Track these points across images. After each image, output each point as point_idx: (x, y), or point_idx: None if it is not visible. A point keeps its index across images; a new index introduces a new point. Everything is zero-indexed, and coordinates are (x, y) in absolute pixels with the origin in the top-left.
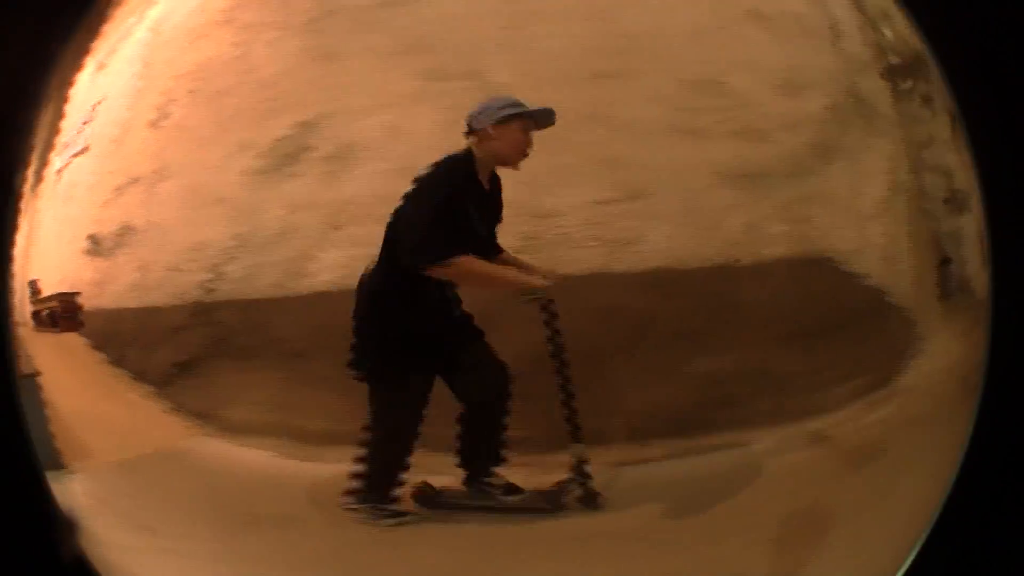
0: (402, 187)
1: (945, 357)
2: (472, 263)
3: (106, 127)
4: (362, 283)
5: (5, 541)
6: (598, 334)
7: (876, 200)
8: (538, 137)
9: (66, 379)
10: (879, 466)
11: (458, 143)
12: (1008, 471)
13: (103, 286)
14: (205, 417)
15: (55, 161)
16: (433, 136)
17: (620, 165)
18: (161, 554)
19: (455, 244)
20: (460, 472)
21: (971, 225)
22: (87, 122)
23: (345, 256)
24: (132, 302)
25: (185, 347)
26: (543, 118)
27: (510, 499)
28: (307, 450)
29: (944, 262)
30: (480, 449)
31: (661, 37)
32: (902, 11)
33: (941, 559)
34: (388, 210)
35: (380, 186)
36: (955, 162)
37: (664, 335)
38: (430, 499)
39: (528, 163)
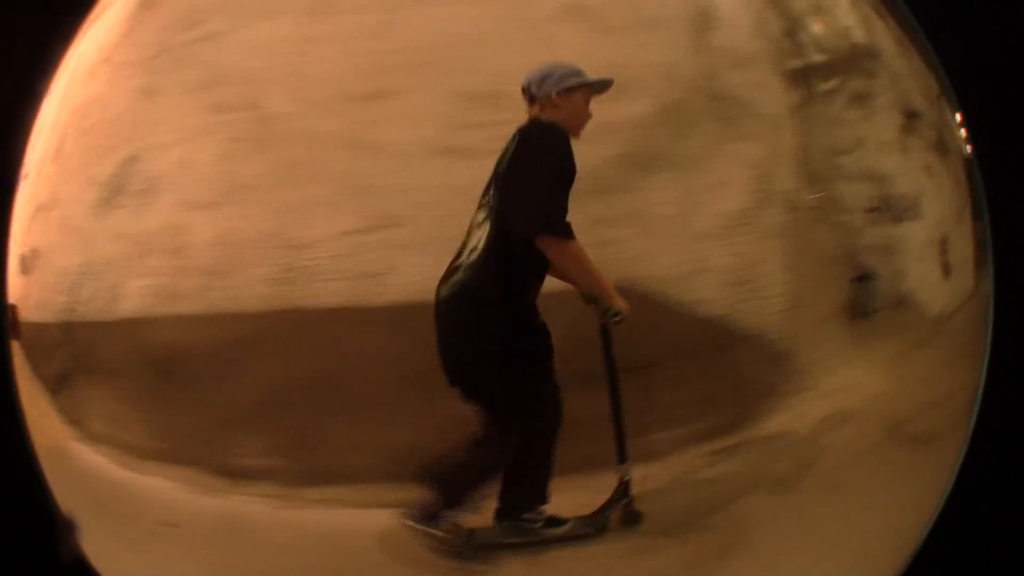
0: (189, 220)
1: (855, 395)
2: (582, 249)
3: (37, 154)
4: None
5: (5, 541)
6: (346, 371)
7: (725, 216)
8: (292, 164)
9: (18, 379)
10: (717, 537)
11: (235, 174)
12: (1008, 471)
13: (25, 301)
14: (77, 424)
15: (21, 181)
16: (212, 168)
17: (373, 192)
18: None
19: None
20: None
21: (919, 234)
22: (32, 148)
23: (144, 285)
24: (36, 317)
25: (61, 361)
26: (602, 88)
27: (553, 532)
28: (131, 463)
29: (862, 278)
30: (525, 485)
31: (443, 48)
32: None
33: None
34: (176, 242)
35: (169, 219)
36: (897, 166)
37: (414, 374)
38: (462, 543)
39: (282, 191)
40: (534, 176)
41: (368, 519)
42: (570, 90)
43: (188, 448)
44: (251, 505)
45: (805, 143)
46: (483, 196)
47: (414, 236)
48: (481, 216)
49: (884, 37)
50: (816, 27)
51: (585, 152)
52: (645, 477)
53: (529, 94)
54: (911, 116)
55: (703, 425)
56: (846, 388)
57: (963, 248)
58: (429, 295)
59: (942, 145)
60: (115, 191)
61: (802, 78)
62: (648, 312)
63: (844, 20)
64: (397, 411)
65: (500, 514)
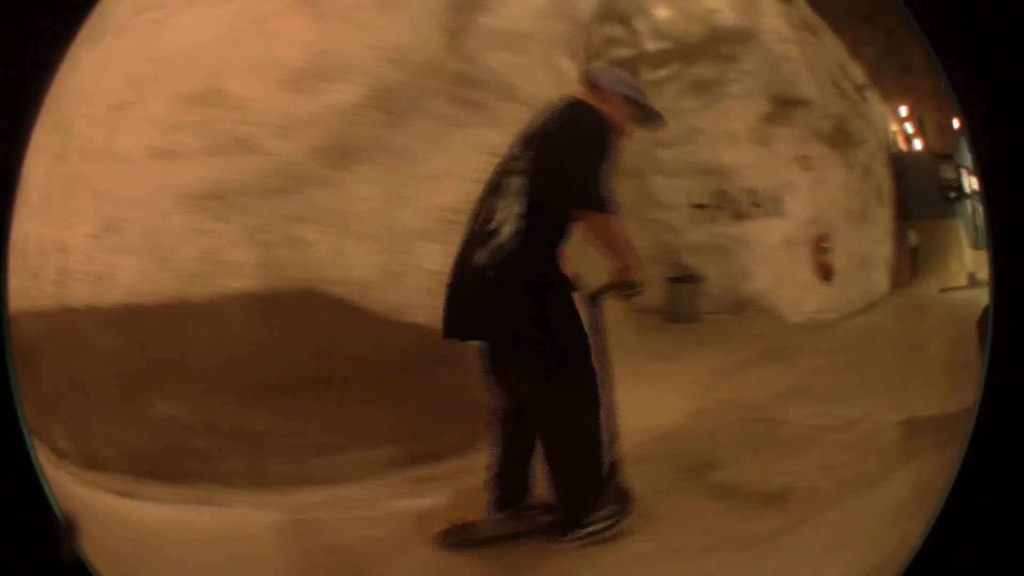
0: (29, 228)
1: (637, 422)
2: (620, 223)
3: None
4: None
5: (5, 541)
6: (90, 369)
7: (443, 210)
8: (70, 175)
9: None
10: None
11: (48, 186)
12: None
13: None
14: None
15: None
16: (42, 181)
17: (107, 198)
18: None
19: None
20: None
21: (776, 231)
22: None
23: (14, 285)
24: None
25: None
26: (653, 120)
27: (550, 518)
28: (32, 440)
29: (680, 280)
30: (520, 468)
31: (181, 53)
32: None
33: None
34: (24, 248)
35: (24, 228)
36: (747, 159)
37: (123, 375)
38: (463, 538)
39: (64, 201)
40: (583, 155)
41: (123, 507)
42: (632, 101)
43: (41, 428)
44: (67, 481)
45: None
46: (508, 162)
47: (129, 240)
48: (512, 183)
49: (774, 19)
50: (662, 12)
51: (280, 146)
52: (335, 500)
53: (591, 77)
54: (788, 104)
55: (406, 449)
56: (623, 413)
57: (865, 248)
58: (142, 297)
59: (842, 136)
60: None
61: (622, 64)
62: (342, 319)
63: (708, 2)
64: (117, 413)
65: (500, 503)
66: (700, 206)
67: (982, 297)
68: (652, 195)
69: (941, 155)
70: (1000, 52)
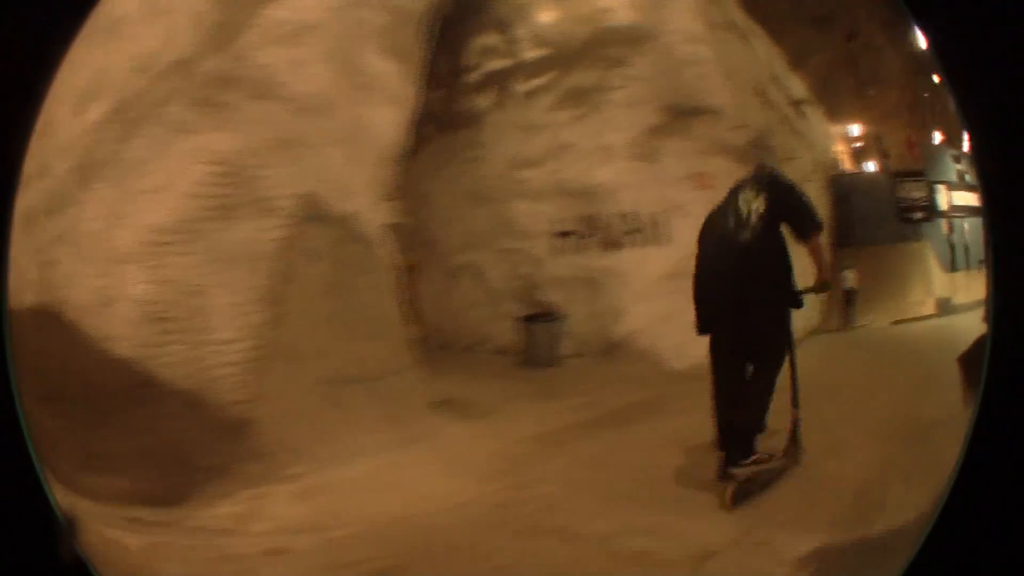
0: None
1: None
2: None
3: None
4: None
5: (5, 541)
6: None
7: (152, 229)
8: None
9: None
10: None
11: None
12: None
13: None
14: None
15: None
16: None
17: None
18: None
19: None
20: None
21: (658, 261)
22: None
23: None
24: None
25: None
26: None
27: (769, 466)
28: None
29: (536, 318)
30: (746, 430)
31: (51, 93)
32: None
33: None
34: None
35: None
36: (627, 176)
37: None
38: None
39: None
40: (804, 196)
41: None
42: None
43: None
44: None
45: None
46: (741, 192)
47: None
48: (751, 216)
49: (684, 17)
50: (547, 16)
51: (58, 168)
52: (88, 512)
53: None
54: (687, 114)
55: (126, 484)
56: (358, 483)
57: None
58: (16, 304)
59: (762, 151)
60: None
61: (500, 79)
62: (71, 343)
63: (602, 1)
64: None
65: (729, 463)
66: (565, 234)
67: (965, 325)
68: (511, 222)
69: (906, 173)
70: (1004, 66)
